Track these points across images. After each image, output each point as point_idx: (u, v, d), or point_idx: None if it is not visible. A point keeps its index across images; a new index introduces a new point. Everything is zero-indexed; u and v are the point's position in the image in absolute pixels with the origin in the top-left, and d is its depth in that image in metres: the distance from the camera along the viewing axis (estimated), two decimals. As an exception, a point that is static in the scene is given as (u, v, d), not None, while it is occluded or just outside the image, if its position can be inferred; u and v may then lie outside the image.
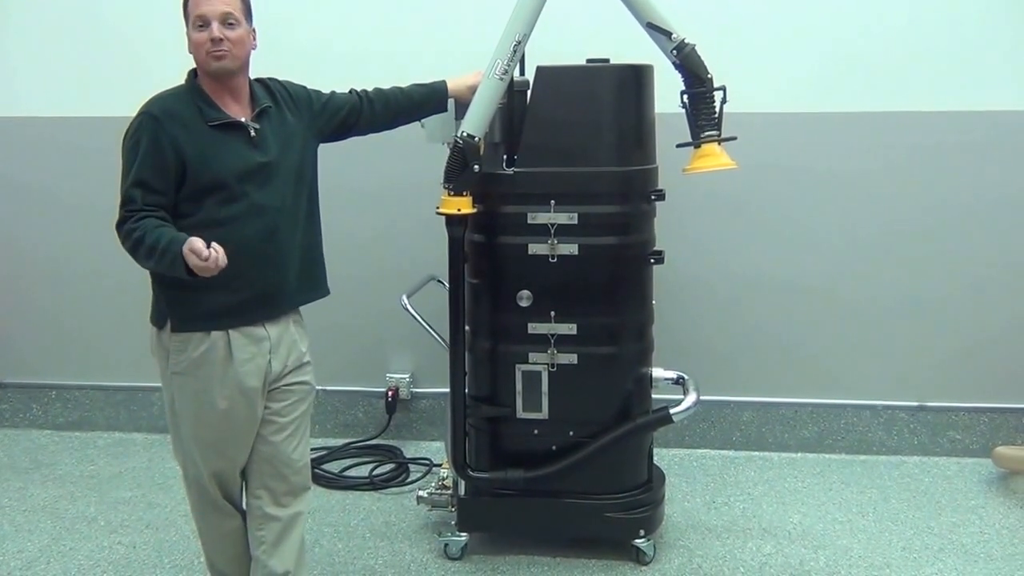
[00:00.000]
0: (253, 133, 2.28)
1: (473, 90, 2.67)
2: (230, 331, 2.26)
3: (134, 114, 2.25)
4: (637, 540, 2.92)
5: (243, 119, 2.28)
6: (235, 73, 2.27)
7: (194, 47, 2.24)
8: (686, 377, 3.01)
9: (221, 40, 2.20)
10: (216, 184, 2.21)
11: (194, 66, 2.31)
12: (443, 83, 2.78)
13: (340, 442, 3.87)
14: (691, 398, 2.93)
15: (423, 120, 2.80)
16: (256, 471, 2.41)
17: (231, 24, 2.23)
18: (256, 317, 2.30)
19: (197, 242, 2.01)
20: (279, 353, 2.35)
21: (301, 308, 2.47)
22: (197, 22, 2.22)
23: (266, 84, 2.42)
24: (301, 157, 2.40)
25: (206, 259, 1.99)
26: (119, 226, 2.18)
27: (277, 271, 2.32)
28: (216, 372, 2.26)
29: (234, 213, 2.23)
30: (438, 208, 2.69)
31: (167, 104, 2.23)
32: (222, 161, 2.22)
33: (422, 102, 2.75)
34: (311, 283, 2.45)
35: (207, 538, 2.51)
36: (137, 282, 3.87)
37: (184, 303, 2.24)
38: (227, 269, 2.11)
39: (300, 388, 2.43)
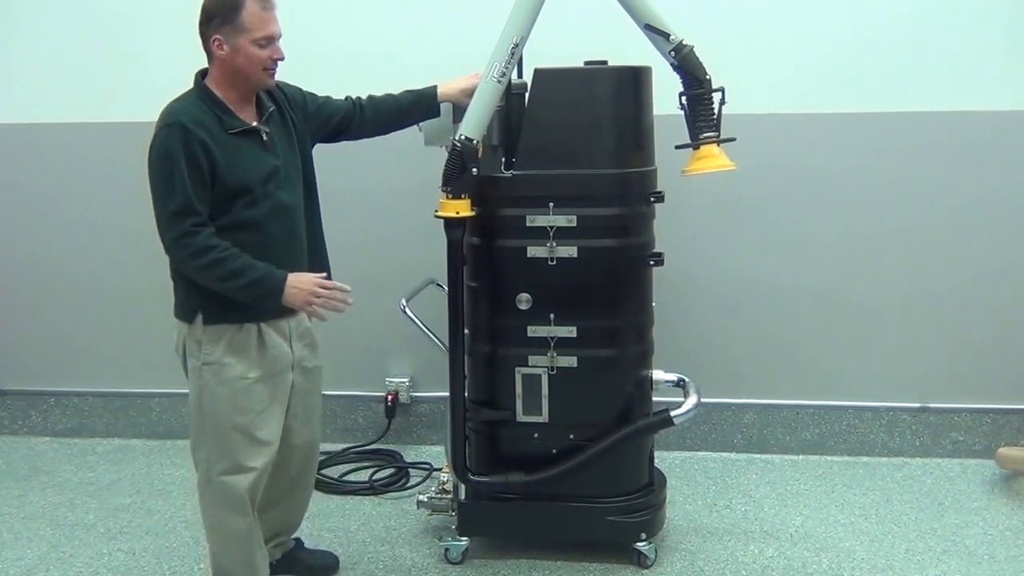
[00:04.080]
0: (265, 138, 2.40)
1: (465, 93, 2.69)
2: (261, 324, 2.41)
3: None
4: (638, 543, 2.91)
5: (255, 124, 2.39)
6: None
7: (250, 61, 2.31)
8: (687, 379, 3.01)
9: (280, 59, 2.37)
10: (242, 188, 2.32)
11: (199, 70, 2.40)
12: (433, 87, 2.79)
13: (340, 447, 3.86)
14: (692, 400, 2.92)
15: (421, 124, 2.79)
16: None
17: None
18: (283, 310, 2.42)
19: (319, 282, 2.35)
20: (298, 339, 2.53)
21: None
22: (262, 41, 2.30)
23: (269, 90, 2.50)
24: (303, 156, 2.54)
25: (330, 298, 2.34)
26: (182, 238, 2.25)
27: (297, 266, 2.44)
28: (251, 356, 2.40)
29: (260, 214, 2.36)
30: (436, 211, 2.68)
31: (191, 113, 2.29)
32: (245, 166, 2.33)
33: (410, 107, 2.78)
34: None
35: (218, 538, 2.53)
36: (136, 289, 3.91)
37: (217, 296, 2.33)
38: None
39: (316, 369, 2.64)
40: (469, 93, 2.66)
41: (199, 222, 2.26)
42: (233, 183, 2.30)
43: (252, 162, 2.35)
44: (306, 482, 2.77)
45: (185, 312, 2.41)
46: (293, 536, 2.91)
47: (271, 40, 2.32)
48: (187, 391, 3.71)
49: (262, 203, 2.35)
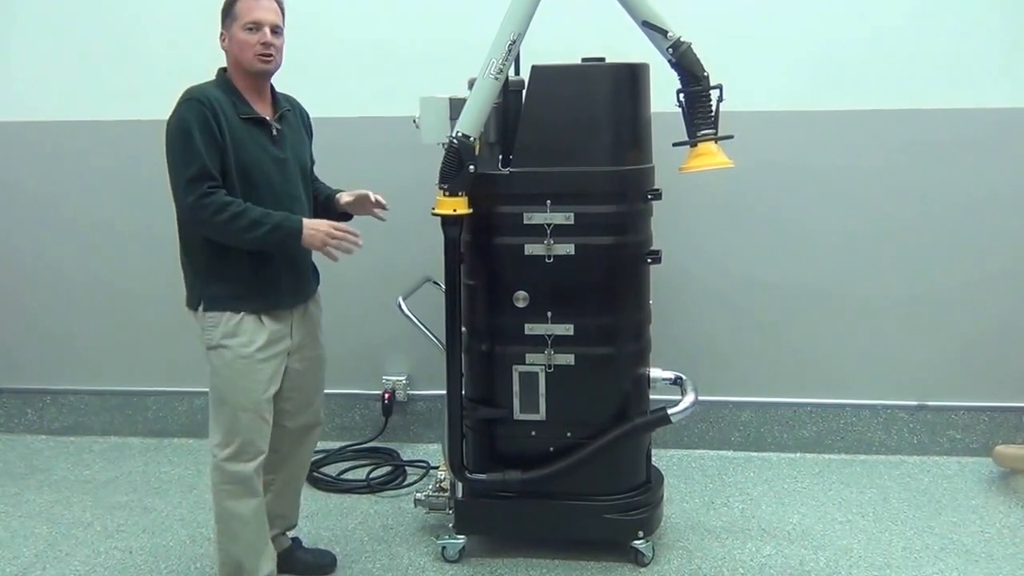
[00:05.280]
0: (275, 132, 2.51)
1: (350, 201, 2.72)
2: (261, 315, 2.50)
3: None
4: (636, 541, 2.91)
5: (267, 117, 2.50)
6: (271, 75, 2.52)
7: (240, 47, 2.44)
8: (684, 377, 3.00)
9: (270, 45, 2.44)
10: (244, 171, 2.42)
11: (223, 65, 2.51)
12: (335, 191, 2.78)
13: (337, 445, 3.86)
14: (689, 398, 2.92)
15: (417, 120, 2.78)
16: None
17: (277, 33, 2.47)
18: (283, 303, 2.55)
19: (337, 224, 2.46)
20: (299, 327, 2.62)
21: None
22: (249, 25, 2.42)
23: (288, 97, 2.65)
24: (306, 160, 2.67)
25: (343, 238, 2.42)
26: (200, 199, 2.33)
27: (299, 255, 2.58)
28: (249, 338, 2.47)
29: (260, 200, 2.43)
30: (433, 209, 2.68)
31: (208, 92, 2.41)
32: (250, 151, 2.43)
33: (322, 203, 2.75)
34: (314, 270, 2.70)
35: (227, 525, 2.56)
36: (132, 287, 3.90)
37: (217, 285, 2.45)
38: (257, 255, 2.45)
39: (316, 359, 2.73)
40: (351, 199, 2.70)
41: (215, 185, 2.35)
42: (237, 164, 2.40)
43: (258, 150, 2.45)
44: (296, 461, 2.81)
45: (191, 300, 2.52)
46: (291, 535, 2.92)
47: (258, 25, 2.42)
48: (183, 390, 3.77)
49: (264, 190, 2.44)
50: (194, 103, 2.37)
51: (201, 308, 2.48)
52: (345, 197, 2.71)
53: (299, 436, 2.77)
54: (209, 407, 2.55)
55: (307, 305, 2.66)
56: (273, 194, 2.46)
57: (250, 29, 2.42)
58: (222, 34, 2.48)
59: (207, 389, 2.53)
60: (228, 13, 2.46)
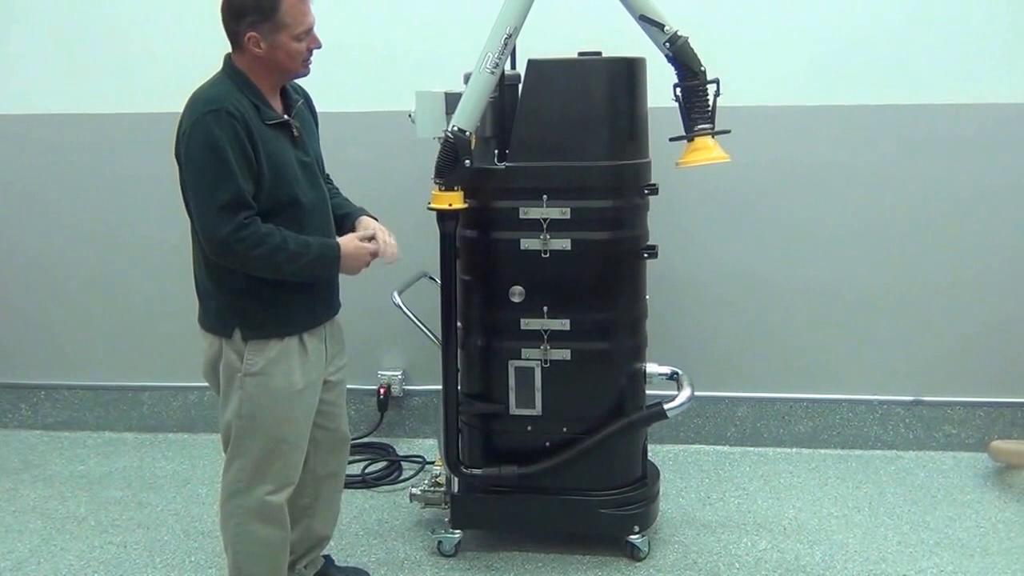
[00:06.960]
0: (296, 133, 2.29)
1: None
2: (302, 334, 2.31)
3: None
4: (632, 536, 2.91)
5: (287, 117, 2.28)
6: None
7: (289, 56, 2.20)
8: (680, 372, 3.00)
9: (318, 47, 2.27)
10: (282, 183, 2.21)
11: (227, 53, 2.24)
12: (360, 209, 2.60)
13: (333, 440, 3.85)
14: (685, 393, 2.92)
15: (413, 114, 2.77)
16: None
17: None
18: (320, 319, 2.38)
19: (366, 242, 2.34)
20: (331, 338, 2.46)
21: None
22: (303, 35, 2.20)
23: (294, 85, 2.42)
24: (320, 156, 2.45)
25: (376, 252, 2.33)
26: (237, 232, 2.10)
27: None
28: (295, 365, 2.29)
29: (299, 214, 2.25)
30: (429, 203, 2.67)
31: (233, 99, 2.14)
32: (283, 160, 2.21)
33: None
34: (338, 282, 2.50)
35: (244, 547, 2.38)
36: (127, 282, 3.89)
37: (260, 307, 2.25)
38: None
39: (344, 366, 2.57)
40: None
41: (252, 214, 2.12)
42: (274, 177, 2.17)
43: (287, 157, 2.22)
44: (335, 477, 2.63)
45: (220, 326, 2.27)
46: (323, 553, 2.77)
47: (310, 31, 2.22)
48: (178, 384, 3.71)
49: (299, 201, 2.24)
50: (223, 116, 2.07)
51: (238, 336, 2.23)
52: (365, 226, 2.46)
53: (335, 450, 2.58)
54: (233, 432, 2.30)
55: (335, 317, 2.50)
56: (301, 208, 2.25)
57: (302, 38, 2.19)
58: (252, 36, 2.14)
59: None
60: (267, 16, 2.12)
